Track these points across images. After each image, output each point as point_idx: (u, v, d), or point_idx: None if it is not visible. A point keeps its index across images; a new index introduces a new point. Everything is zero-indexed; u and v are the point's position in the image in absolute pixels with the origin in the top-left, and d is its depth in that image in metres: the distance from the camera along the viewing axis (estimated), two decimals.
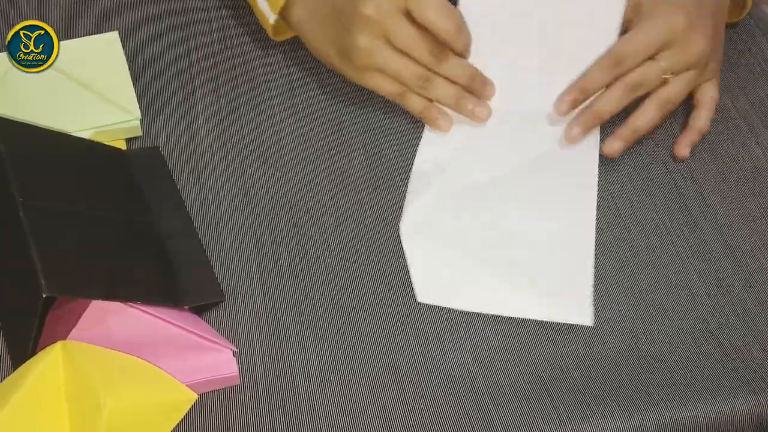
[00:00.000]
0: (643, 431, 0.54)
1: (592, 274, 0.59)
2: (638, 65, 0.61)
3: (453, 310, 0.58)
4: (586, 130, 0.63)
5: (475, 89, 0.63)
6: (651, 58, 0.62)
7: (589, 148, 0.64)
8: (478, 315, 0.57)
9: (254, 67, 0.69)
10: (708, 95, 0.65)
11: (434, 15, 0.59)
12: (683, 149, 0.65)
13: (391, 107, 0.65)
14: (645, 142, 0.66)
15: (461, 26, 0.61)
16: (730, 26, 0.69)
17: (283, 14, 0.64)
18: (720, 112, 0.68)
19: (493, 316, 0.57)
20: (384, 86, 0.62)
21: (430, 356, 0.56)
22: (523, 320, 0.57)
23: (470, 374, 0.55)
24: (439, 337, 0.57)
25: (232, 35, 0.70)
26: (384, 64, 0.61)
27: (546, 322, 0.57)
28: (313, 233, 0.61)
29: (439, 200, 0.61)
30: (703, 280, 0.59)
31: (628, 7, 0.63)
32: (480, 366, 0.55)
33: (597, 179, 0.63)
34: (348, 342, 0.56)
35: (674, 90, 0.63)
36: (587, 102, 0.63)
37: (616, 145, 0.63)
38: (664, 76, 0.62)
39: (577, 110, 0.64)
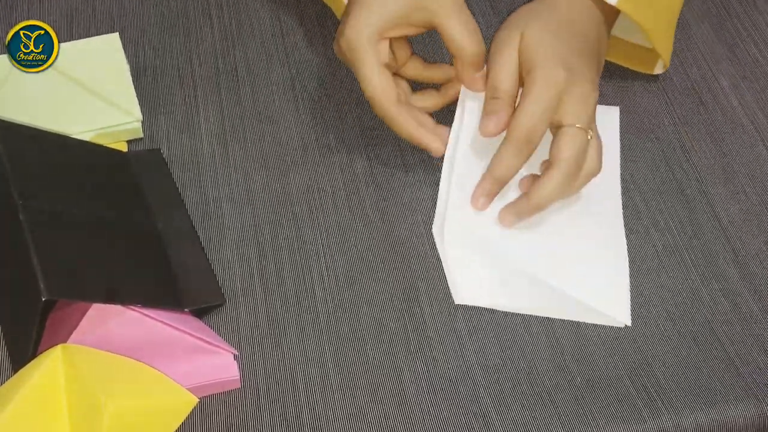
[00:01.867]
0: None
1: (628, 277, 0.59)
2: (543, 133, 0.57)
3: (455, 316, 0.57)
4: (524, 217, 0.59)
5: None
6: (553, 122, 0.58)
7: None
8: (480, 322, 0.57)
9: (256, 68, 0.68)
10: (565, 150, 0.57)
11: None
12: (509, 217, 0.59)
13: None
14: (650, 145, 0.66)
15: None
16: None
17: None
18: (726, 111, 0.67)
19: (495, 323, 0.57)
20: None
21: (432, 361, 0.56)
22: (526, 327, 0.57)
23: (472, 380, 0.55)
24: (442, 343, 0.56)
25: (234, 36, 0.70)
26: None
27: (549, 328, 0.57)
28: (315, 236, 0.61)
29: (468, 204, 0.60)
30: (706, 283, 0.59)
31: (519, 67, 0.59)
32: (482, 372, 0.55)
33: (620, 195, 0.62)
34: (349, 346, 0.56)
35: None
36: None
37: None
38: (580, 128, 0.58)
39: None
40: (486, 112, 0.60)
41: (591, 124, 0.58)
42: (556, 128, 0.58)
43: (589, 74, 0.59)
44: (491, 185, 0.59)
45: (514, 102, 0.59)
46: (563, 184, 0.57)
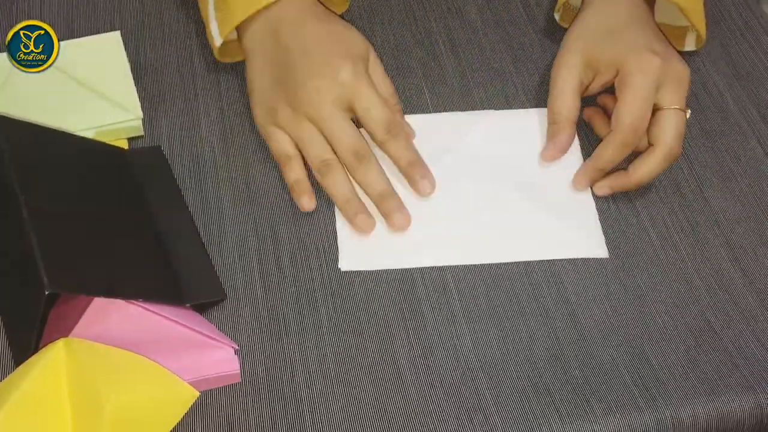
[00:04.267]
0: (644, 429, 0.54)
1: (595, 210, 0.61)
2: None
3: (453, 308, 0.58)
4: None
5: (380, 207, 0.60)
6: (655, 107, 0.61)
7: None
8: (479, 312, 0.58)
9: None
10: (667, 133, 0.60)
11: (376, 110, 0.59)
12: (605, 189, 0.62)
13: None
14: None
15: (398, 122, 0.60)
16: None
17: (239, 36, 0.65)
18: (721, 110, 0.68)
19: (492, 313, 0.57)
20: (279, 144, 0.61)
21: (431, 354, 0.56)
22: (523, 318, 0.57)
23: (471, 372, 0.55)
24: (441, 335, 0.57)
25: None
26: (299, 136, 0.60)
27: (546, 319, 0.57)
28: (314, 231, 0.61)
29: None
30: (703, 277, 0.60)
31: (598, 69, 0.62)
32: (481, 364, 0.56)
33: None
34: (349, 339, 0.56)
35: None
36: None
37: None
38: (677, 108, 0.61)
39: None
40: (548, 138, 0.63)
41: (686, 100, 0.61)
42: (655, 110, 0.61)
43: (676, 53, 0.61)
44: (594, 173, 0.61)
45: (574, 124, 0.63)
46: (664, 162, 0.60)
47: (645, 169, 0.60)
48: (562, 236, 0.60)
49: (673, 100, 0.60)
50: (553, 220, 0.61)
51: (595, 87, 0.64)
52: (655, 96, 0.60)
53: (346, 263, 0.59)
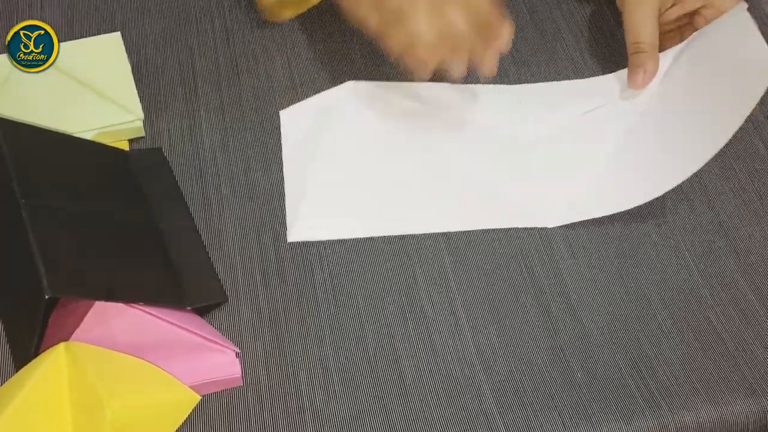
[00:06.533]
0: None
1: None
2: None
3: (456, 311, 0.58)
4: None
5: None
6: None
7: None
8: (482, 316, 0.57)
9: (256, 66, 0.69)
10: None
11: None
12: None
13: None
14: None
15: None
16: None
17: None
18: None
19: (496, 319, 0.57)
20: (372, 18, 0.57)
21: (433, 357, 0.56)
22: (527, 319, 0.57)
23: (473, 376, 0.55)
24: (443, 339, 0.57)
25: (234, 34, 0.70)
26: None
27: (548, 322, 0.57)
28: None
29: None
30: (705, 279, 0.59)
31: None
32: (483, 367, 0.55)
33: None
34: (351, 343, 0.56)
35: None
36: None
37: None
38: None
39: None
40: (633, 65, 0.62)
41: None
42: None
43: None
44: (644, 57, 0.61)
45: (657, 50, 0.62)
46: None
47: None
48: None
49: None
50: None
51: (673, 13, 0.63)
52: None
53: (295, 234, 0.59)
